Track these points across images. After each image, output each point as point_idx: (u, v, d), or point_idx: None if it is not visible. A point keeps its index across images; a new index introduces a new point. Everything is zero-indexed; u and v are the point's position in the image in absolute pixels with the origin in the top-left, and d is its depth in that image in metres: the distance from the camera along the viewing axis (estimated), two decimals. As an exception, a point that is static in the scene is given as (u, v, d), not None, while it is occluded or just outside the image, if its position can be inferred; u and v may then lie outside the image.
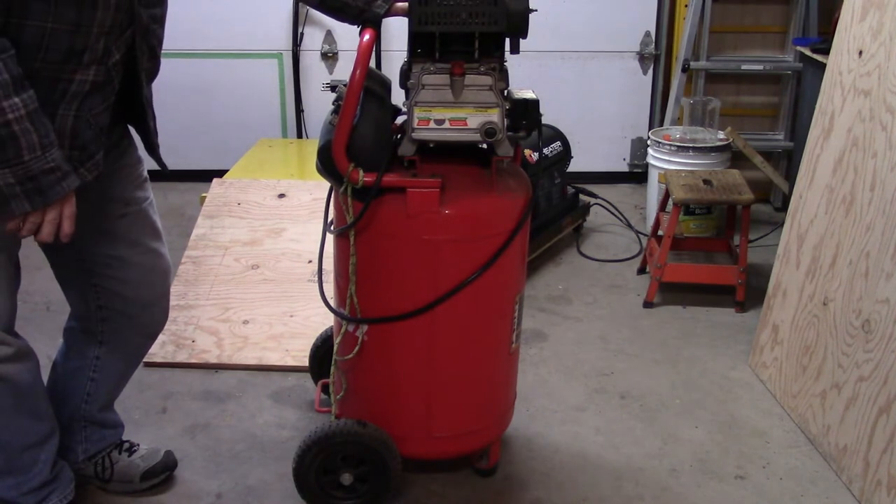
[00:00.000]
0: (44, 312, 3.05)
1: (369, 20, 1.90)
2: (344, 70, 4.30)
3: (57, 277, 1.99)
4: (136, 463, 2.18)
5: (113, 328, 2.02)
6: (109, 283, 1.94)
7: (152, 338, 2.12)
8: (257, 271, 3.04)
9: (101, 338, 2.03)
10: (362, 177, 1.86)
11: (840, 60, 2.50)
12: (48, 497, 1.96)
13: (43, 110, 1.54)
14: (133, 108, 1.81)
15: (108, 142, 1.76)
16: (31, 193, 1.51)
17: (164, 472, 2.20)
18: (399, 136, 1.94)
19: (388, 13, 1.92)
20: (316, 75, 4.35)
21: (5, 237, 1.69)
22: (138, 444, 2.23)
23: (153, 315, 2.06)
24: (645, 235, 3.82)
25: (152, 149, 1.92)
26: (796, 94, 4.08)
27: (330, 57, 4.36)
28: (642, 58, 4.41)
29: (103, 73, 1.63)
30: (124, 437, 2.23)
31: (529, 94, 1.95)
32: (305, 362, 2.53)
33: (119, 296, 1.97)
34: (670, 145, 3.68)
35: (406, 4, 1.85)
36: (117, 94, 1.72)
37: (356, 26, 1.96)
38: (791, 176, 3.71)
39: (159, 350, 2.72)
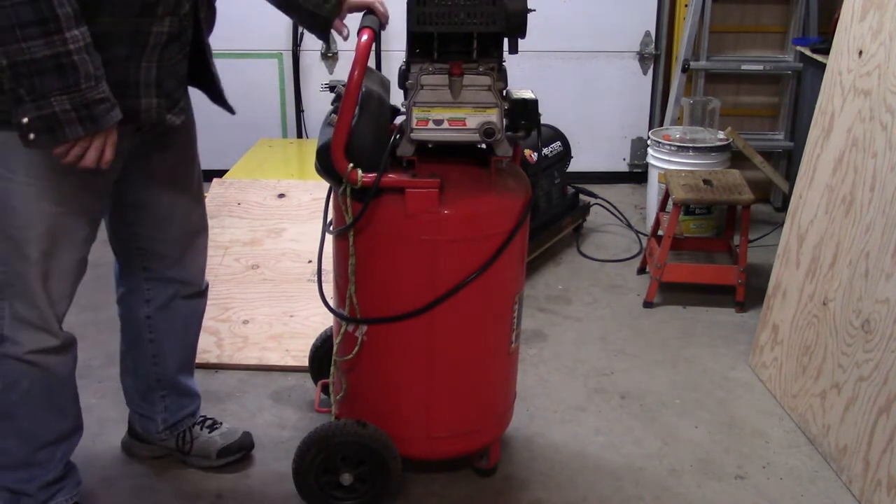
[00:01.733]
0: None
1: (316, 26, 2.00)
2: (344, 70, 4.29)
3: (112, 245, 2.08)
4: (215, 439, 2.27)
5: (156, 287, 2.09)
6: (150, 244, 2.03)
7: (194, 296, 2.15)
8: (257, 271, 3.04)
9: (148, 296, 2.10)
10: (361, 177, 1.86)
11: (840, 60, 2.50)
12: (56, 494, 1.97)
13: (129, 64, 1.67)
14: (195, 62, 1.90)
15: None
16: (84, 120, 1.57)
17: (239, 451, 2.28)
18: (398, 136, 1.94)
19: (340, 12, 1.98)
20: (316, 75, 4.35)
21: (86, 226, 1.80)
22: (221, 423, 2.32)
23: (190, 268, 2.11)
24: (645, 235, 3.81)
25: (218, 95, 2.01)
26: (796, 94, 4.08)
27: (330, 57, 4.36)
28: (642, 58, 4.41)
29: (177, 24, 1.73)
30: (209, 415, 2.33)
31: (528, 94, 1.95)
32: (305, 362, 2.53)
33: (159, 255, 2.05)
34: (670, 145, 3.68)
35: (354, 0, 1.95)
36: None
37: (312, 33, 2.07)
38: (791, 176, 3.71)
39: (159, 350, 2.72)
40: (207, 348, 2.77)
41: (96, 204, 1.83)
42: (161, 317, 2.12)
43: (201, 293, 2.18)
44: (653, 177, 3.82)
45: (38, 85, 1.51)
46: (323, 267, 2.17)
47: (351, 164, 1.86)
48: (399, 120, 1.99)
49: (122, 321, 2.18)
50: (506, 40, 1.89)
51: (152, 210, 2.00)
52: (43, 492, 1.94)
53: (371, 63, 1.86)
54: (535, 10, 1.84)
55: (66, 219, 1.76)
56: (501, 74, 1.89)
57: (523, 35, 1.84)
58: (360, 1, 2.05)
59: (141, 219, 2.01)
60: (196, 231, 2.10)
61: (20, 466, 1.91)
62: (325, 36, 2.03)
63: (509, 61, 1.92)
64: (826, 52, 2.77)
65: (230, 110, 2.03)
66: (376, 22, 1.91)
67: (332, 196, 2.05)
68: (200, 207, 2.12)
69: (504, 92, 1.91)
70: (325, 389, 2.40)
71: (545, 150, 3.52)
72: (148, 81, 1.71)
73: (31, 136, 1.55)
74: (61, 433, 1.94)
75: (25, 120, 1.54)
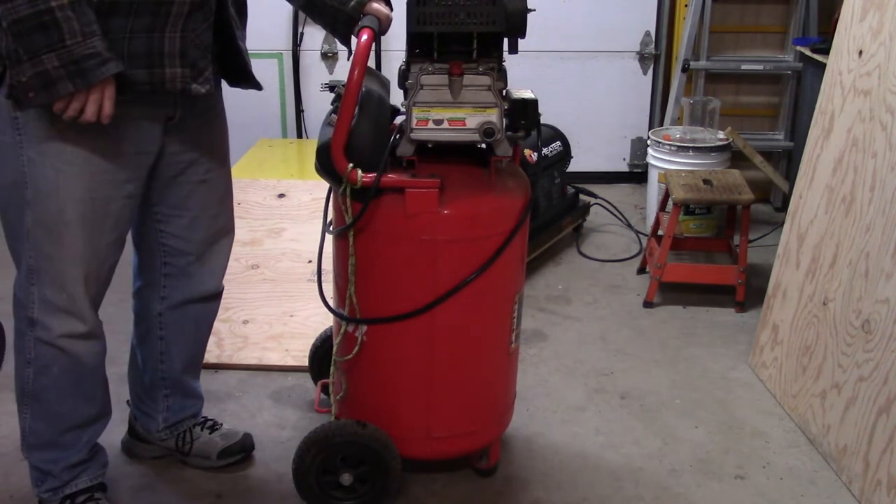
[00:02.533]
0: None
1: (340, 24, 1.95)
2: (344, 70, 4.28)
3: (133, 238, 2.09)
4: (216, 440, 2.27)
5: (173, 285, 2.09)
6: (175, 242, 2.04)
7: (208, 298, 2.15)
8: (257, 271, 3.04)
9: (163, 293, 2.10)
10: (361, 177, 1.86)
11: (840, 60, 2.50)
12: (80, 475, 2.02)
13: (153, 35, 1.70)
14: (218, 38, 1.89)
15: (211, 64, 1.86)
16: (73, 75, 1.61)
17: (240, 453, 2.29)
18: (398, 136, 1.94)
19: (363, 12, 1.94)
20: (316, 75, 4.35)
21: (119, 211, 1.82)
22: (221, 424, 2.32)
23: (210, 267, 2.11)
24: (645, 235, 3.81)
25: (245, 72, 1.97)
26: (796, 94, 4.08)
27: (330, 57, 4.36)
28: (642, 58, 4.41)
29: None
30: (209, 416, 2.34)
31: (528, 94, 1.95)
32: (305, 362, 2.53)
33: (182, 251, 2.05)
34: (670, 145, 3.68)
35: (377, 6, 1.92)
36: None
37: (335, 35, 2.01)
38: (791, 176, 3.71)
39: (159, 350, 2.72)
40: (207, 348, 2.76)
41: (130, 188, 1.84)
42: (172, 315, 2.13)
43: (216, 296, 2.18)
44: (653, 177, 3.82)
45: (28, 44, 1.57)
46: (323, 267, 2.17)
47: (351, 164, 1.86)
48: (399, 120, 1.99)
49: (135, 315, 2.19)
50: (506, 40, 1.89)
51: (182, 203, 2.00)
52: (66, 473, 2.00)
53: (371, 63, 1.85)
54: (535, 10, 1.84)
55: (97, 204, 1.79)
56: (501, 74, 1.89)
57: (523, 35, 1.84)
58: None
59: (169, 214, 2.01)
60: (222, 230, 2.11)
61: (47, 447, 1.97)
62: (348, 38, 1.98)
63: (509, 61, 1.92)
64: (826, 52, 2.77)
65: (257, 86, 2.03)
66: (376, 22, 1.91)
67: (331, 196, 2.05)
68: (228, 207, 2.12)
69: (504, 92, 1.91)
70: (325, 389, 2.40)
71: (545, 150, 3.52)
72: (172, 52, 1.74)
73: (31, 94, 1.61)
74: (88, 418, 1.99)
75: (24, 78, 1.60)
